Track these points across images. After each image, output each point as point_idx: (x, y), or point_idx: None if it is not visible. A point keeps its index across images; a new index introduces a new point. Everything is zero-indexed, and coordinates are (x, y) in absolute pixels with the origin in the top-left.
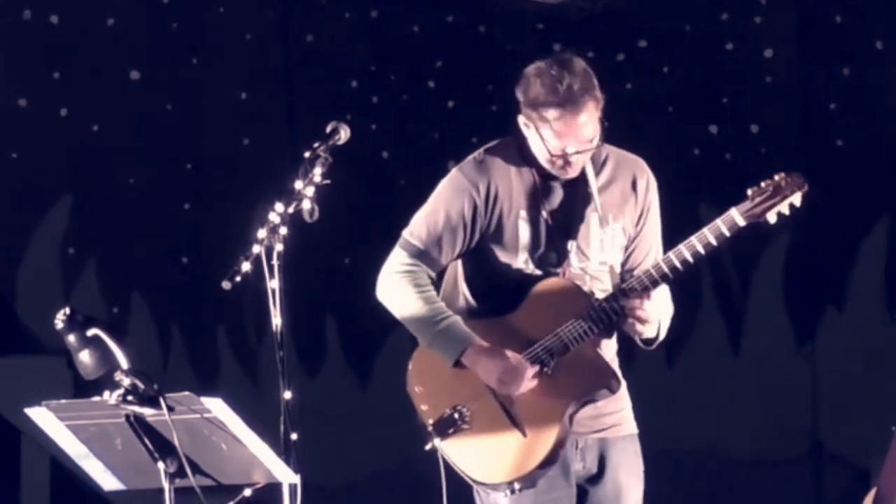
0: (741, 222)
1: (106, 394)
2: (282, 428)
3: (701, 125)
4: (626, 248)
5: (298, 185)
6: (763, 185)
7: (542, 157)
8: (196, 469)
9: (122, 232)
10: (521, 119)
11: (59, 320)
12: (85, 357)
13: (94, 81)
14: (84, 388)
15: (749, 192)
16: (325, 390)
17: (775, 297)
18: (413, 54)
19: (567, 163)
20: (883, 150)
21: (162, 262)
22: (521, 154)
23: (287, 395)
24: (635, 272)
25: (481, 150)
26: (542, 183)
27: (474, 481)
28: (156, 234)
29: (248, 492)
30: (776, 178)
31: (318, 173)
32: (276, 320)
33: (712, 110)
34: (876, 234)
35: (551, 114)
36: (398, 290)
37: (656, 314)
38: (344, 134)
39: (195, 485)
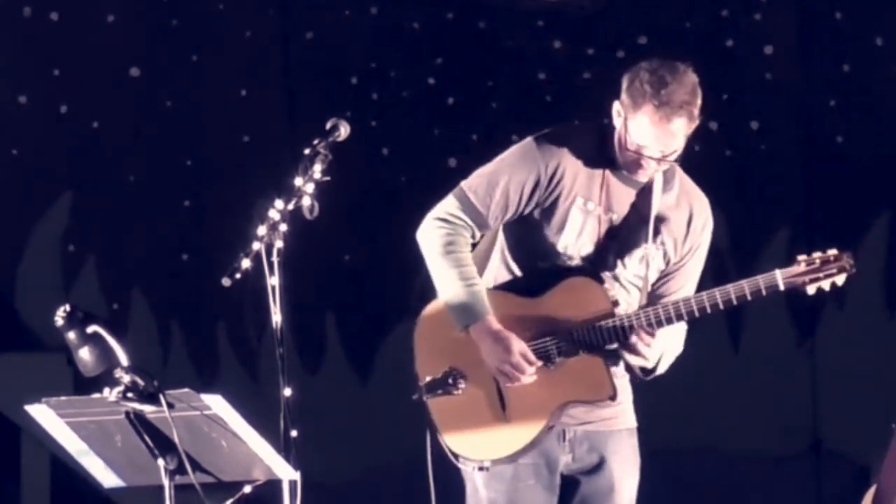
0: (781, 287)
1: (106, 391)
2: (282, 425)
3: (701, 122)
4: (662, 273)
5: (298, 181)
6: (814, 255)
7: (619, 148)
8: (196, 466)
9: (122, 229)
10: (616, 106)
11: (59, 317)
12: (85, 354)
13: (94, 78)
14: (84, 385)
15: (798, 258)
16: (325, 387)
17: (775, 294)
18: (413, 51)
19: (639, 164)
20: (883, 146)
21: (162, 259)
22: (599, 144)
23: (287, 391)
24: (655, 304)
25: (561, 127)
26: (609, 180)
27: (448, 448)
28: (156, 231)
29: (248, 489)
30: (828, 252)
31: (317, 170)
32: (276, 317)
33: (712, 107)
34: (876, 230)
35: (647, 109)
36: (437, 238)
37: (658, 348)
38: (344, 131)
39: (195, 482)
